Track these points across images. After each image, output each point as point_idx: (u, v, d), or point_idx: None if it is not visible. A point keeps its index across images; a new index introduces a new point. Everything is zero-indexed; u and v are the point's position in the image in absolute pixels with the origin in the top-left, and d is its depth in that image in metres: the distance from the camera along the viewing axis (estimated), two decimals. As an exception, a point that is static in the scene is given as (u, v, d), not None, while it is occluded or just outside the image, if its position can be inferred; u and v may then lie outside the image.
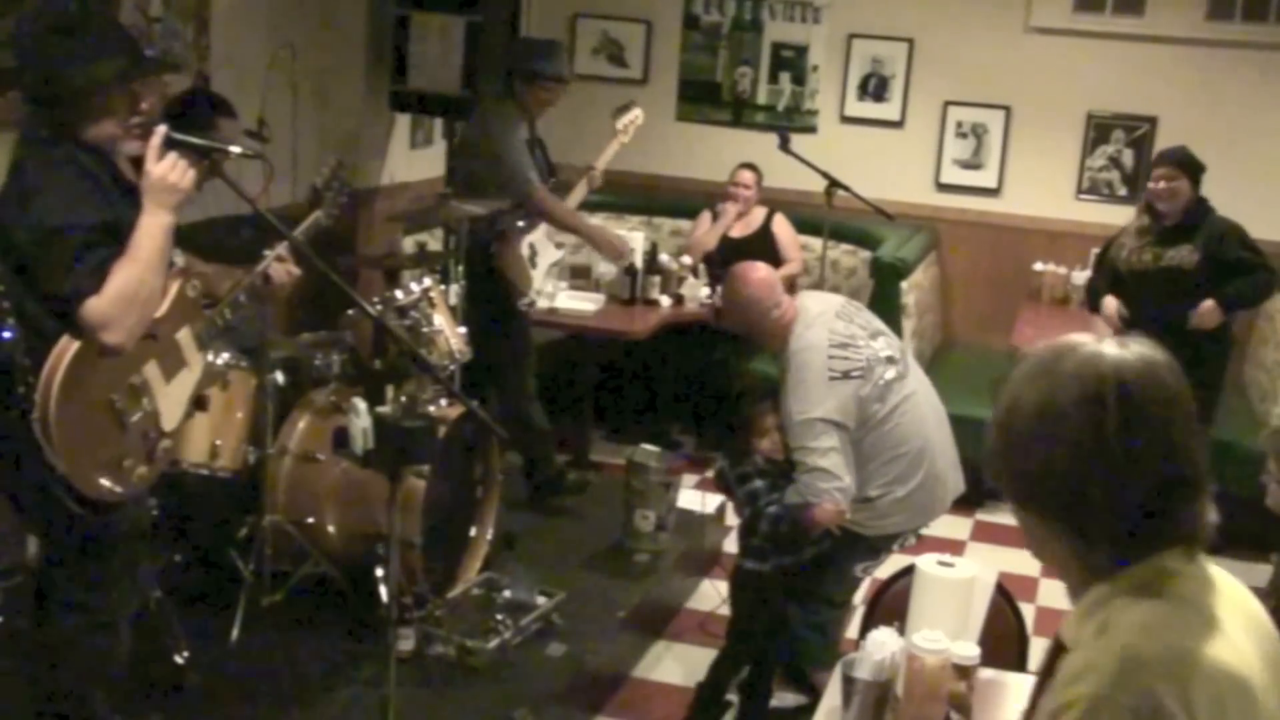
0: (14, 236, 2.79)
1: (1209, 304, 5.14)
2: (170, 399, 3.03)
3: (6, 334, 2.85)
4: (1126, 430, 1.43)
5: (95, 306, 2.75)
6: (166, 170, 2.84)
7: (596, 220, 6.00)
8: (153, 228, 2.83)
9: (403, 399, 4.15)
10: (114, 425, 2.88)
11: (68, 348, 2.77)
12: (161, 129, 2.88)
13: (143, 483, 3.00)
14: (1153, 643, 1.41)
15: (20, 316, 2.84)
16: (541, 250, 5.38)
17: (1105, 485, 1.44)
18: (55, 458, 2.77)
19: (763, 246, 6.35)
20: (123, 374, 2.90)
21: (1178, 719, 1.36)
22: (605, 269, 6.17)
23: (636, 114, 5.64)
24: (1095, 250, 5.66)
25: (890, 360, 3.78)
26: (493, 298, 5.14)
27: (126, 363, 2.90)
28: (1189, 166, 5.21)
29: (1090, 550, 1.49)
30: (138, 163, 2.94)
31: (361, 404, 3.05)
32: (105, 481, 2.87)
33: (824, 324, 3.77)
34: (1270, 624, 1.53)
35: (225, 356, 3.82)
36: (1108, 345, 1.49)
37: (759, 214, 6.61)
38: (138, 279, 2.80)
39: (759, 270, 3.90)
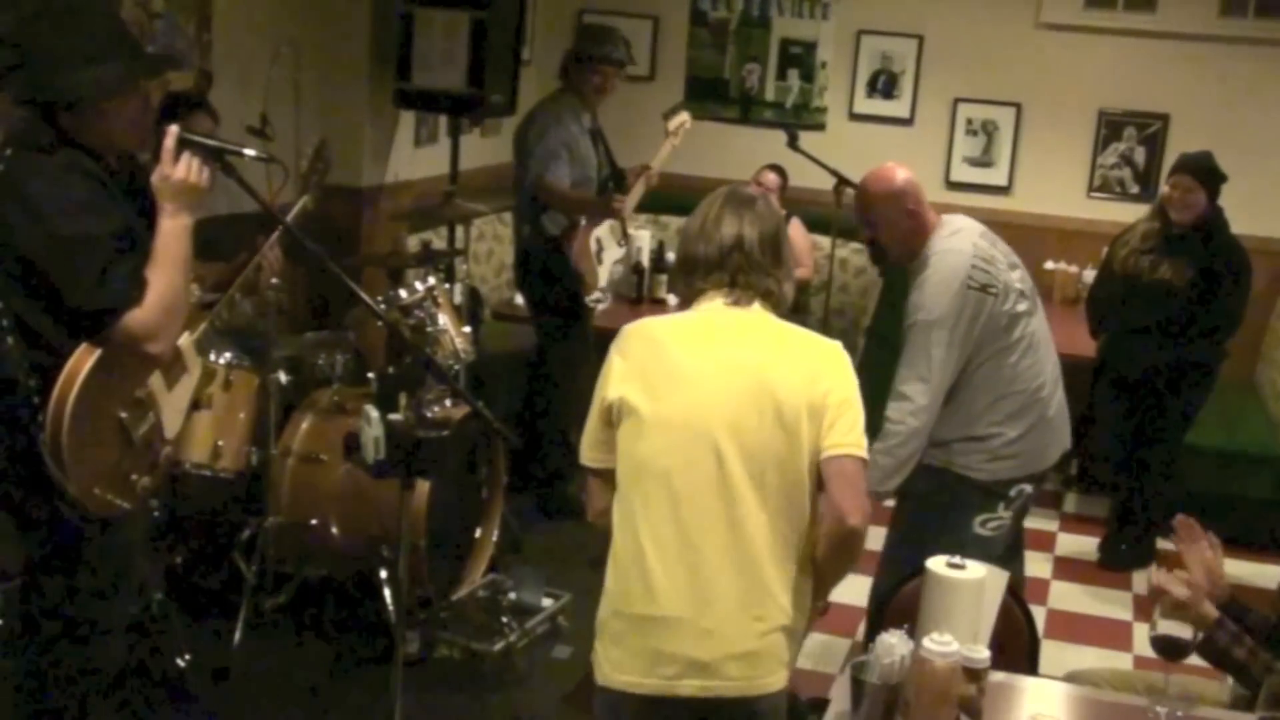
0: (22, 249, 2.66)
1: None
2: (171, 407, 2.96)
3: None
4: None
5: (139, 318, 2.67)
6: (185, 172, 2.77)
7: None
8: (177, 230, 2.76)
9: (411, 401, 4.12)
10: (122, 442, 2.81)
11: (80, 367, 2.68)
12: (174, 130, 2.79)
13: (146, 493, 2.95)
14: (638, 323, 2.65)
15: (23, 333, 2.71)
16: (607, 246, 5.36)
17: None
18: (66, 481, 2.68)
19: None
20: (130, 389, 2.83)
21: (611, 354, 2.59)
22: (613, 261, 6.12)
23: (685, 117, 5.65)
24: (1106, 249, 5.58)
25: (1022, 294, 3.66)
26: (558, 298, 5.15)
27: (134, 377, 2.83)
28: (1208, 178, 5.02)
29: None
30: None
31: (374, 412, 3.00)
32: (112, 498, 2.80)
33: (969, 237, 3.67)
34: (753, 359, 2.55)
35: (227, 356, 3.80)
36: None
37: None
38: (175, 285, 2.73)
39: (908, 169, 3.80)
